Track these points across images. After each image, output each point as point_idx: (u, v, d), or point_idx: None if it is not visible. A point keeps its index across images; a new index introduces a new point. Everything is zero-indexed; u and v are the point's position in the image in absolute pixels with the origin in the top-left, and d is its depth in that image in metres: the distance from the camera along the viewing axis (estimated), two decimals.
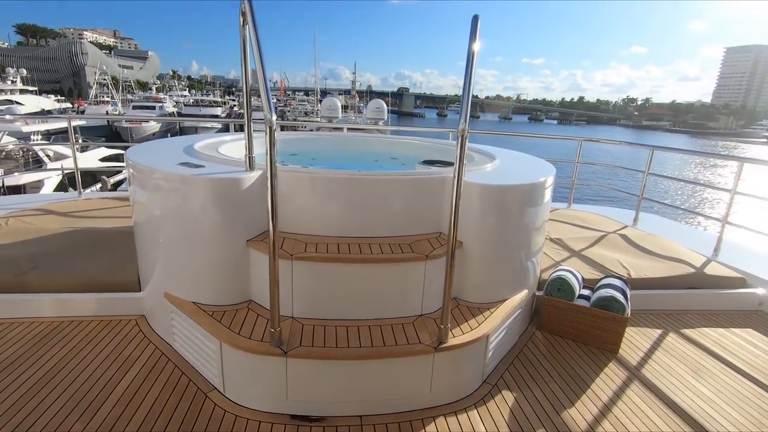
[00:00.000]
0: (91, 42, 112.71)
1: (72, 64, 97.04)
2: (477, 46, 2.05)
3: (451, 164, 3.05)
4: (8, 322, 2.72)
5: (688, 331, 3.07)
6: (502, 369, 2.50)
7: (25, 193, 15.00)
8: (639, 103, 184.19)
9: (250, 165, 2.35)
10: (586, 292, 3.01)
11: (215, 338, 2.09)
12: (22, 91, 43.99)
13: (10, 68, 47.78)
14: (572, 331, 2.83)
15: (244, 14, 2.05)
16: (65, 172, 16.53)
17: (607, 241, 4.31)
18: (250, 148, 2.34)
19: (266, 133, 1.75)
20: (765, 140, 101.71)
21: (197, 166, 2.40)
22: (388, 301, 2.30)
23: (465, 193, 2.47)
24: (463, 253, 2.48)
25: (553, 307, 2.86)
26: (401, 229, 2.52)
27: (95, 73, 60.81)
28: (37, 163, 17.33)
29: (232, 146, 3.45)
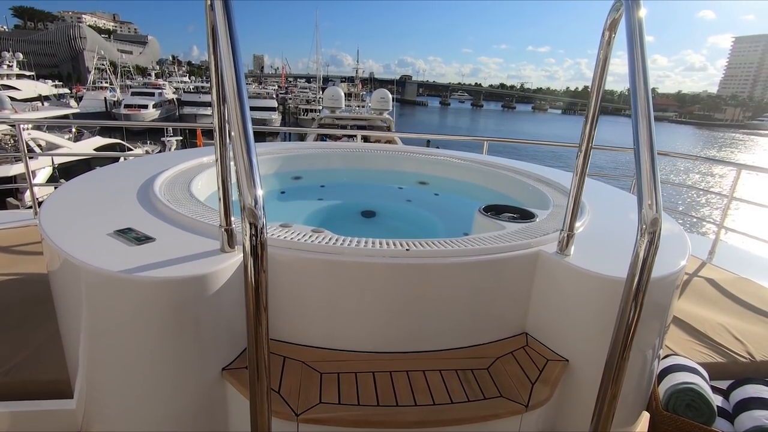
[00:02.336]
0: (89, 26, 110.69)
1: (70, 48, 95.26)
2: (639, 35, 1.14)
3: (526, 215, 2.11)
4: None
5: None
6: None
7: (15, 184, 14.22)
8: None
9: (229, 241, 1.42)
10: (717, 399, 2.09)
11: None
12: (18, 76, 42.77)
13: (6, 52, 46.52)
14: None
15: None
16: (57, 163, 15.78)
17: (692, 289, 3.39)
18: (226, 214, 1.40)
19: (247, 255, 0.82)
20: None
21: (142, 239, 1.47)
22: None
23: (567, 283, 1.56)
24: (568, 375, 1.56)
25: (679, 431, 1.95)
26: (470, 335, 1.60)
27: (94, 58, 59.55)
28: (29, 154, 16.46)
29: (214, 175, 2.52)
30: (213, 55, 1.27)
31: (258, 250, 0.81)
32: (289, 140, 25.13)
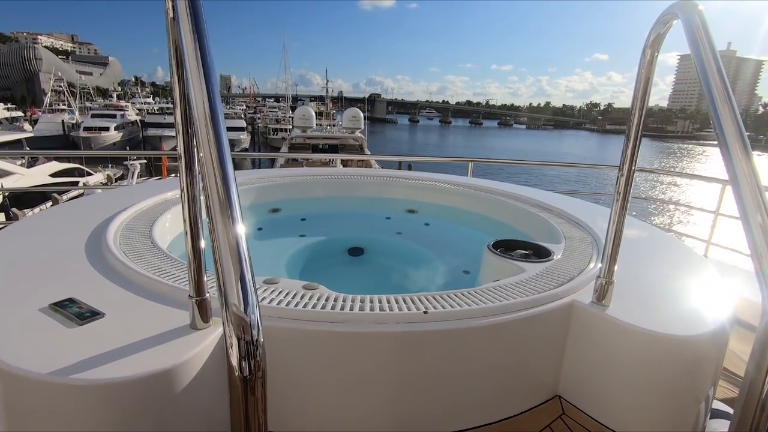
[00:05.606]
0: (46, 47, 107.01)
1: (24, 70, 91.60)
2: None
3: (541, 252, 1.89)
4: None
5: None
6: None
7: None
8: (602, 107, 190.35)
9: (201, 316, 1.11)
10: None
11: None
12: None
13: None
14: None
15: None
16: (6, 192, 14.69)
17: None
18: (198, 285, 1.09)
19: (236, 387, 0.54)
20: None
21: (86, 316, 1.14)
22: None
23: (610, 340, 1.33)
24: None
25: None
26: (498, 407, 1.34)
27: (50, 80, 57.12)
28: None
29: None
30: (177, 75, 0.97)
31: (254, 383, 0.52)
32: (260, 165, 24.42)
